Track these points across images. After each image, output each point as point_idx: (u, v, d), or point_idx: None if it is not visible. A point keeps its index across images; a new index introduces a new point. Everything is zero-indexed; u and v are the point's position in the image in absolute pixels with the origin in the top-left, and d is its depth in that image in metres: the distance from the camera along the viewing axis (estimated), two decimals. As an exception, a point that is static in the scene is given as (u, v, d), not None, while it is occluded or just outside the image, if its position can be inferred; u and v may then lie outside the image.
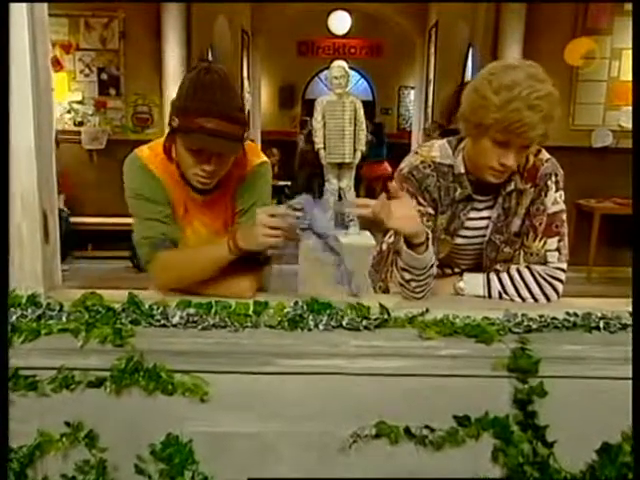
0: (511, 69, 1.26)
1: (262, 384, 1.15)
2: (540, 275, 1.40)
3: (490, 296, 1.43)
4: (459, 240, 1.51)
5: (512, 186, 1.43)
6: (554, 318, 1.18)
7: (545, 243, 1.43)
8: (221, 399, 1.14)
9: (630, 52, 4.61)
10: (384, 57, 11.21)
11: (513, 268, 1.44)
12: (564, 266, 1.42)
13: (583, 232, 5.22)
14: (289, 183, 9.23)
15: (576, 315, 1.20)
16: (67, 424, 1.15)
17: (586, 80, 5.27)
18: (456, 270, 1.58)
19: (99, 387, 1.14)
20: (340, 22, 10.12)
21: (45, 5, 1.25)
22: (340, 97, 3.98)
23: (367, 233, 4.26)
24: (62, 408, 1.14)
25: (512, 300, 1.41)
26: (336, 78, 3.93)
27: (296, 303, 1.20)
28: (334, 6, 9.58)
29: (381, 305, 1.20)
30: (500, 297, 1.43)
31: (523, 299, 1.40)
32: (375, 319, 1.17)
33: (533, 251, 1.45)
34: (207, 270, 1.34)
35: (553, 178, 1.43)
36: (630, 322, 1.19)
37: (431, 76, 8.33)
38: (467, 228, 1.50)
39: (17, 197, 1.21)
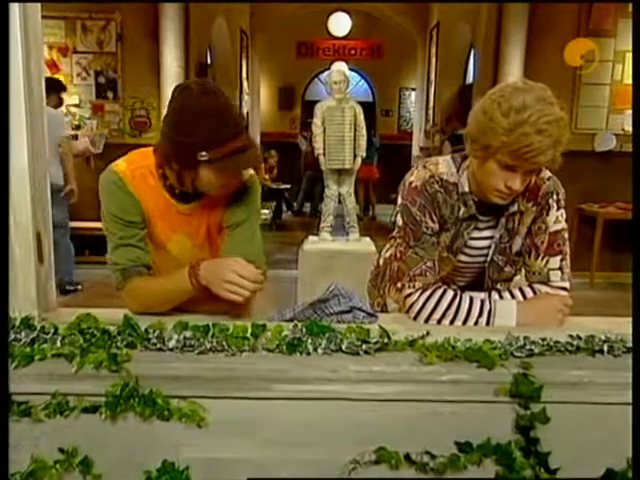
0: (521, 91, 1.23)
1: (260, 409, 1.14)
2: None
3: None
4: (462, 258, 1.51)
5: (515, 207, 1.42)
6: (557, 342, 1.17)
7: (547, 262, 1.43)
8: (218, 425, 1.14)
9: (633, 55, 4.55)
10: (384, 58, 11.22)
11: (516, 289, 1.44)
12: (567, 285, 1.42)
13: (586, 237, 5.22)
14: (289, 186, 9.23)
15: (579, 338, 1.19)
16: (61, 450, 1.14)
17: (589, 83, 5.26)
18: (460, 286, 1.58)
19: (94, 413, 1.13)
20: (340, 24, 10.12)
21: (40, 29, 1.24)
22: (340, 102, 3.97)
23: (367, 239, 4.25)
24: (56, 434, 1.13)
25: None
26: (336, 83, 3.92)
27: (295, 326, 1.19)
28: (334, 7, 9.58)
29: (381, 328, 1.19)
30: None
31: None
32: (375, 342, 1.16)
33: (535, 270, 1.44)
34: (175, 301, 1.38)
35: (554, 197, 1.43)
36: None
37: (432, 77, 8.33)
38: (470, 247, 1.49)
39: (10, 218, 1.20)
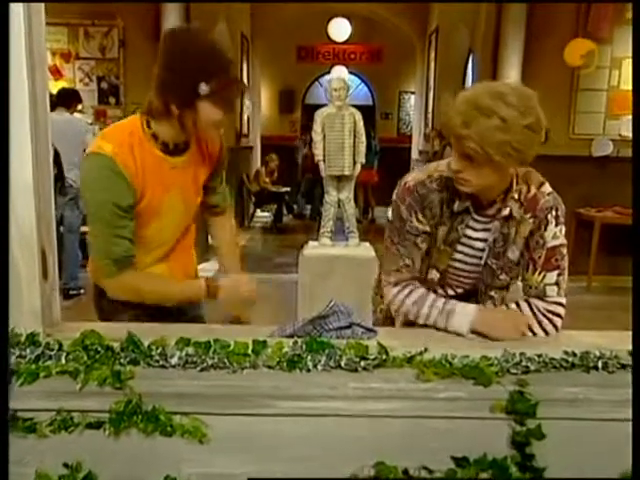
0: (487, 87, 1.29)
1: (261, 426, 1.15)
2: (539, 311, 1.40)
3: None
4: (457, 256, 1.52)
5: (507, 211, 1.43)
6: (552, 358, 1.19)
7: (544, 277, 1.44)
8: (220, 441, 1.15)
9: (630, 61, 4.61)
10: (384, 62, 11.22)
11: (512, 304, 1.45)
12: (563, 300, 1.43)
13: (583, 241, 5.23)
14: (289, 189, 9.24)
15: (574, 355, 1.20)
16: (66, 465, 1.15)
17: (587, 89, 5.27)
18: (456, 291, 1.59)
19: (98, 429, 1.14)
20: (340, 29, 10.14)
21: (43, 43, 1.25)
22: (340, 109, 3.98)
23: (367, 244, 4.26)
24: (61, 450, 1.15)
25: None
26: (335, 90, 3.94)
27: (295, 343, 1.20)
28: (333, 12, 9.59)
29: (379, 344, 1.20)
30: None
31: (534, 333, 1.41)
32: (373, 359, 1.17)
33: (532, 284, 1.46)
34: (174, 301, 1.58)
35: (553, 212, 1.44)
36: (628, 362, 1.19)
37: (431, 81, 8.33)
38: (464, 245, 1.51)
39: (14, 234, 1.21)
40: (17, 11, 1.13)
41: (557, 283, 1.43)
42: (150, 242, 1.59)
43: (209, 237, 1.98)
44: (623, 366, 1.19)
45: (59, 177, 3.92)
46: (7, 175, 1.17)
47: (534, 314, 1.40)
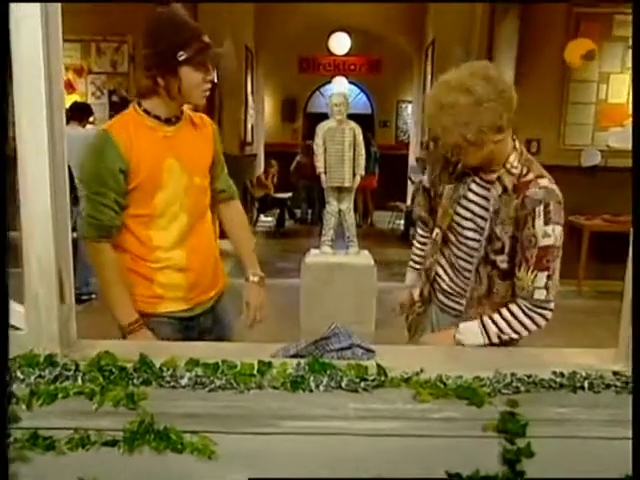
0: (445, 83, 1.41)
1: (266, 443, 1.17)
2: (529, 309, 1.47)
3: (490, 340, 1.48)
4: (456, 218, 1.60)
5: (494, 176, 1.50)
6: (542, 379, 1.21)
7: (535, 277, 1.44)
8: (227, 457, 1.17)
9: (617, 76, 4.62)
10: (383, 73, 11.25)
11: (504, 308, 1.49)
12: (550, 305, 1.48)
13: (573, 247, 5.24)
14: (291, 194, 9.26)
15: (562, 375, 1.22)
16: (82, 481, 1.18)
17: (576, 102, 5.29)
18: (456, 265, 1.67)
19: (113, 446, 1.16)
20: (340, 43, 10.17)
21: (61, 78, 1.27)
22: (340, 123, 4.01)
23: (366, 252, 4.28)
24: (78, 466, 1.17)
25: (510, 338, 1.49)
26: (336, 105, 3.96)
27: (298, 364, 1.23)
28: (334, 26, 9.61)
29: (378, 366, 1.22)
30: (499, 338, 1.49)
31: (518, 333, 1.47)
32: (372, 380, 1.20)
33: (524, 284, 1.47)
34: (106, 300, 1.68)
35: (541, 207, 1.42)
36: (613, 382, 1.21)
37: (428, 91, 8.35)
38: (463, 207, 1.59)
39: (33, 261, 1.23)
40: (36, 39, 1.14)
41: (546, 287, 1.44)
42: (160, 215, 1.66)
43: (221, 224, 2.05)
44: (608, 386, 1.21)
45: (71, 189, 3.94)
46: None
47: (524, 313, 1.47)
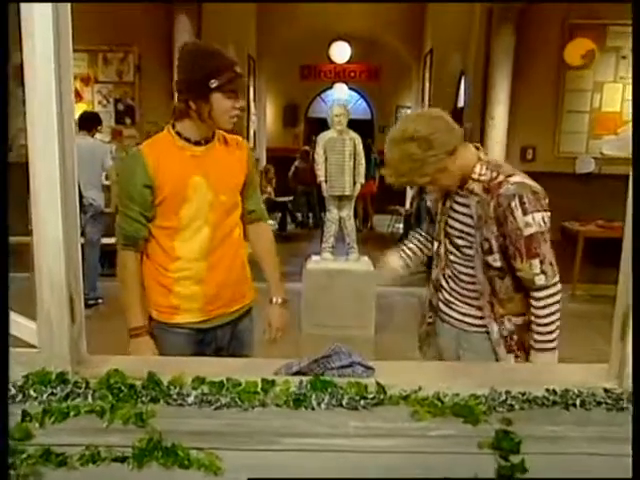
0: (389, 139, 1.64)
1: (270, 460, 1.19)
2: (537, 299, 1.57)
3: (551, 346, 1.62)
4: (448, 229, 1.70)
5: (471, 187, 1.60)
6: (535, 397, 1.22)
7: (530, 265, 1.53)
8: (232, 473, 1.18)
9: (611, 85, 4.65)
10: (382, 79, 11.28)
11: (530, 322, 1.62)
12: (550, 282, 1.55)
13: (568, 253, 5.26)
14: (291, 198, 9.28)
15: (555, 393, 1.24)
16: (92, 495, 1.19)
17: (571, 111, 5.31)
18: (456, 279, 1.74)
19: (122, 462, 1.18)
20: (340, 51, 10.20)
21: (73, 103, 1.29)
22: (340, 134, 4.03)
23: (366, 259, 4.30)
24: (89, 481, 1.19)
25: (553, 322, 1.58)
26: (337, 116, 3.98)
27: (300, 382, 1.24)
28: (335, 34, 9.63)
29: (378, 384, 1.24)
30: (550, 333, 1.61)
31: (552, 321, 1.58)
32: (372, 398, 1.21)
33: (524, 274, 1.56)
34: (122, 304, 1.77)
35: (516, 200, 1.50)
36: (604, 399, 1.23)
37: (426, 97, 8.37)
38: (453, 218, 1.69)
39: (46, 284, 1.25)
40: (48, 54, 1.18)
41: (543, 271, 1.51)
42: (184, 227, 1.72)
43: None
44: (599, 403, 1.23)
45: (79, 197, 3.97)
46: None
47: (535, 308, 1.55)
